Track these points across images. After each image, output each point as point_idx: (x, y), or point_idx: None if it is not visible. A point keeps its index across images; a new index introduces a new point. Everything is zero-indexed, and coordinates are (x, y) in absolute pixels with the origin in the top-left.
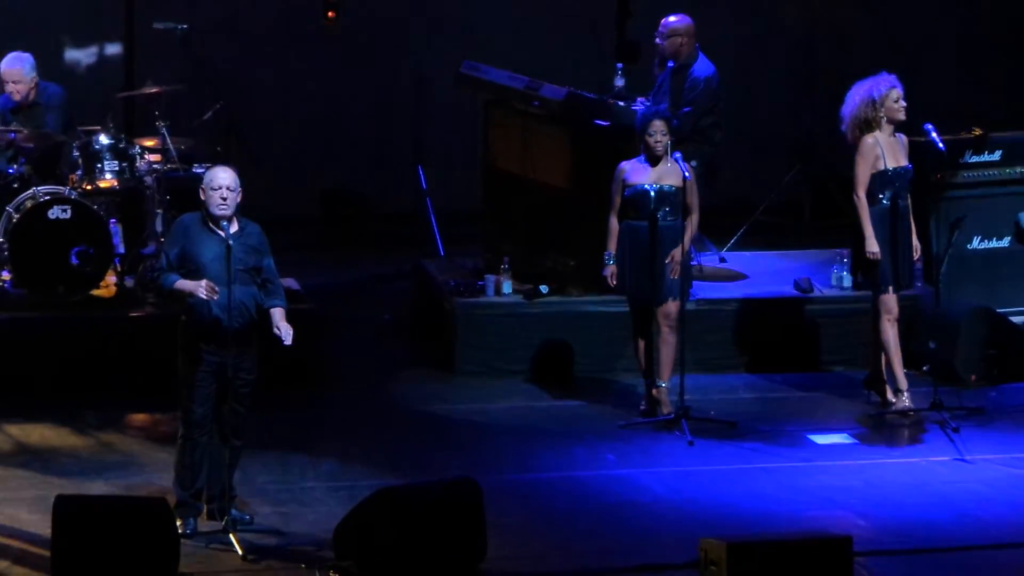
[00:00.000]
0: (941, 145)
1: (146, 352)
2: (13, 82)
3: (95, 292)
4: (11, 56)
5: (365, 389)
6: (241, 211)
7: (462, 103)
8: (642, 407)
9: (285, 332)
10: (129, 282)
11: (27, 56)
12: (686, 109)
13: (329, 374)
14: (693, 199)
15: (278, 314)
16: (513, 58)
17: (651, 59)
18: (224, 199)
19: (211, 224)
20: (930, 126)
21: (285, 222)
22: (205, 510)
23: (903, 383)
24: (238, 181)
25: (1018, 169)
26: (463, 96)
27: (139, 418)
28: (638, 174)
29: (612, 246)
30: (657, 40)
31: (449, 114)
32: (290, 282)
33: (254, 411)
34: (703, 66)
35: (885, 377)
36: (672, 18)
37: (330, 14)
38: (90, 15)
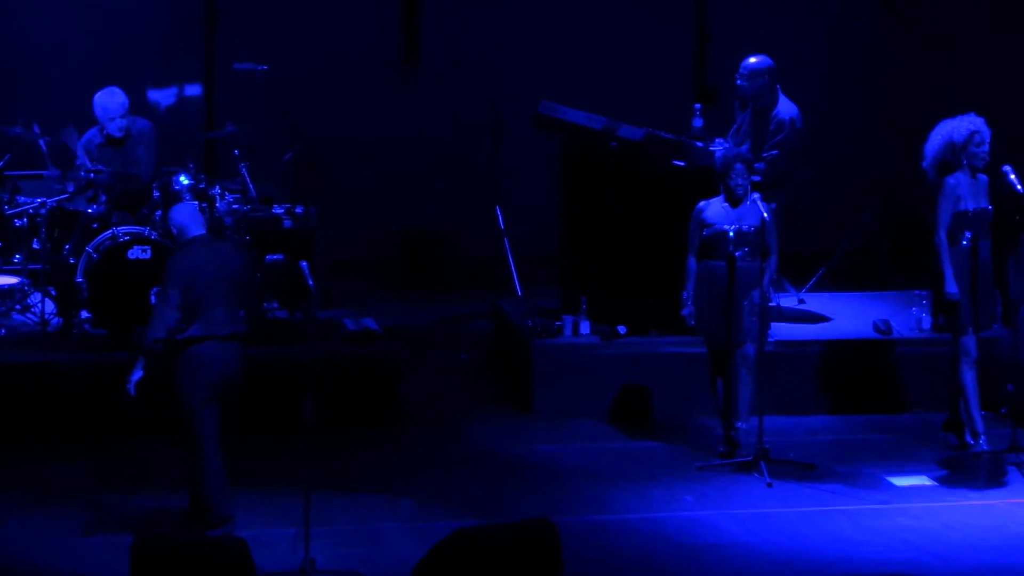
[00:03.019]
0: (1020, 187)
1: None
2: (108, 118)
3: None
4: (104, 91)
5: (442, 429)
6: (322, 251)
7: (540, 144)
8: (720, 449)
9: None
10: None
11: (119, 91)
12: (773, 152)
13: (407, 414)
14: (772, 240)
15: None
16: (591, 99)
17: (729, 100)
18: None
19: None
20: (1009, 168)
21: (364, 263)
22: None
23: (981, 426)
24: None
25: None
26: (541, 137)
27: None
28: (717, 214)
29: (690, 287)
30: (738, 81)
31: (527, 155)
32: (368, 322)
33: (331, 452)
34: (787, 107)
35: (963, 420)
36: (752, 59)
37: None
38: (171, 56)
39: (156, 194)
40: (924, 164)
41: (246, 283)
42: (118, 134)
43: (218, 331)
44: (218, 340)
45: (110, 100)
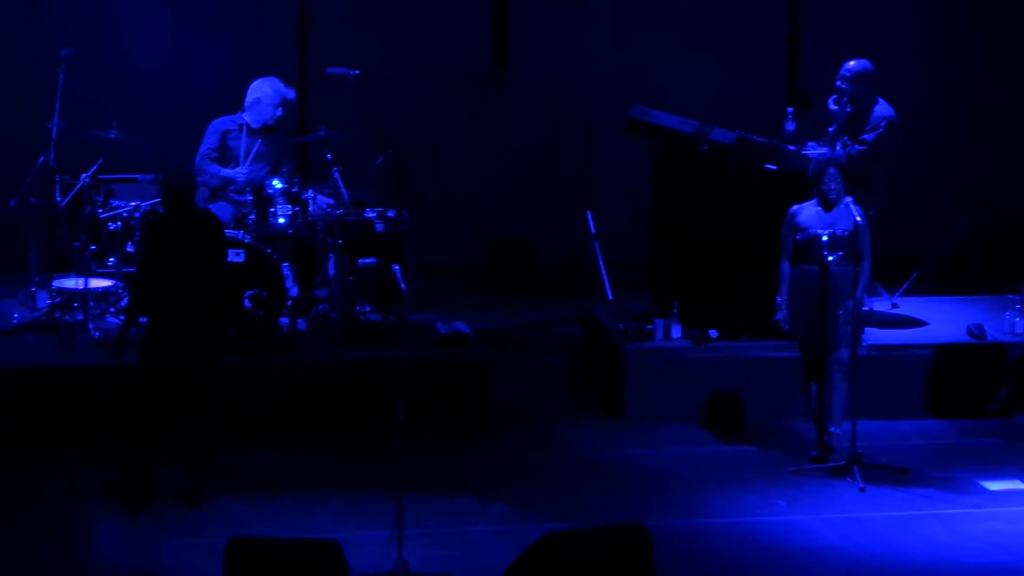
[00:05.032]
0: None
1: (318, 395)
2: (278, 104)
3: None
4: (274, 79)
5: (533, 433)
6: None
7: (631, 148)
8: (813, 453)
9: None
10: (301, 325)
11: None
12: (859, 148)
13: (498, 418)
14: (865, 245)
15: None
16: (682, 103)
17: (822, 104)
18: None
19: None
20: None
21: (455, 268)
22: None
23: None
24: None
25: None
26: (632, 141)
27: (309, 460)
28: (810, 218)
29: (784, 291)
30: (838, 83)
31: (617, 159)
32: (460, 325)
33: (423, 455)
34: (883, 108)
35: None
36: (852, 63)
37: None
38: (263, 61)
39: (250, 198)
40: None
41: None
42: (272, 123)
43: None
44: None
45: (283, 88)
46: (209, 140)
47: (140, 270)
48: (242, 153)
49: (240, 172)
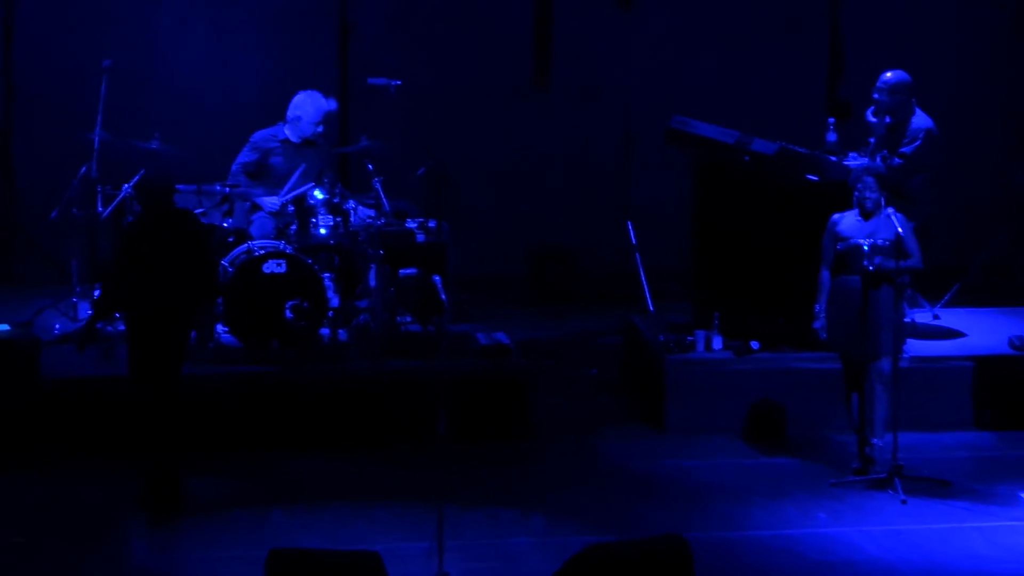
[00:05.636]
0: None
1: (358, 406)
2: (318, 122)
3: None
4: (315, 94)
5: (574, 444)
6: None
7: (671, 158)
8: (854, 465)
9: None
10: (343, 336)
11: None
12: (897, 161)
13: (538, 429)
14: (912, 247)
15: None
16: (722, 114)
17: (862, 115)
18: None
19: None
20: None
21: (494, 278)
22: None
23: None
24: None
25: None
26: (672, 151)
27: (349, 471)
28: (851, 228)
29: (823, 300)
30: (875, 95)
31: (657, 169)
32: (500, 336)
33: (464, 466)
34: (921, 119)
35: None
36: (889, 74)
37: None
38: (305, 71)
39: (291, 208)
40: None
41: None
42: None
43: None
44: None
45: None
46: (248, 154)
47: (114, 267)
48: (290, 176)
49: (273, 202)
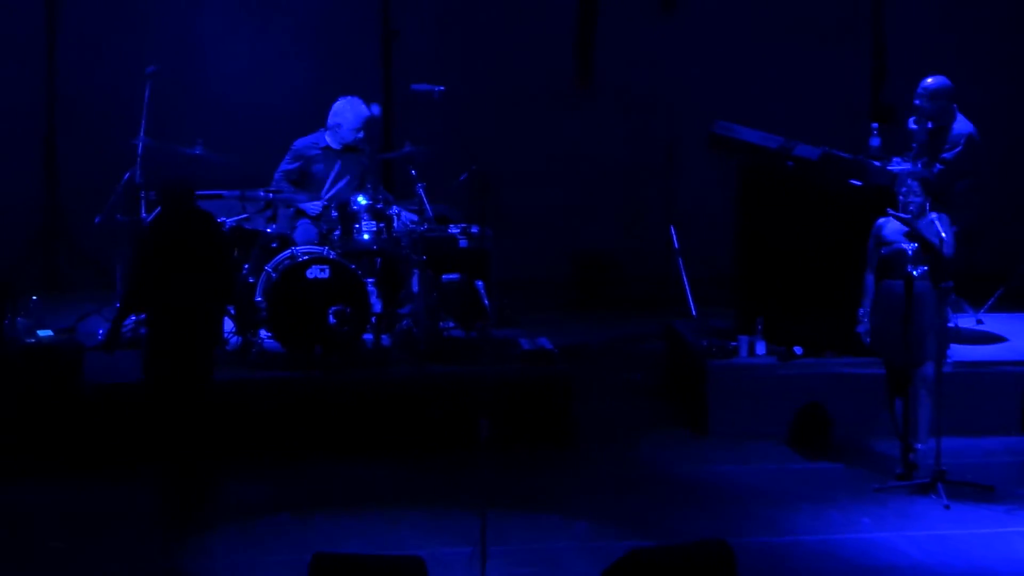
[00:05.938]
0: None
1: (402, 411)
2: (358, 128)
3: None
4: (356, 100)
5: (617, 449)
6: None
7: (714, 163)
8: (898, 470)
9: None
10: (386, 341)
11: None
12: (939, 167)
13: (581, 434)
14: (947, 248)
15: None
16: (766, 119)
17: (906, 119)
18: None
19: None
20: None
21: (537, 283)
22: None
23: None
24: None
25: None
26: (715, 156)
27: (393, 476)
28: (895, 232)
29: (867, 303)
30: (917, 101)
31: (701, 175)
32: (543, 341)
33: (507, 471)
34: (962, 124)
35: None
36: (929, 80)
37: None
38: (348, 77)
39: (334, 214)
40: None
41: None
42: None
43: None
44: None
45: (354, 109)
46: (290, 163)
47: (135, 268)
48: (327, 179)
49: (314, 207)
